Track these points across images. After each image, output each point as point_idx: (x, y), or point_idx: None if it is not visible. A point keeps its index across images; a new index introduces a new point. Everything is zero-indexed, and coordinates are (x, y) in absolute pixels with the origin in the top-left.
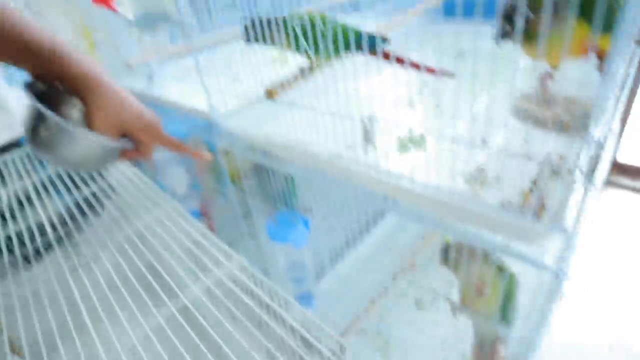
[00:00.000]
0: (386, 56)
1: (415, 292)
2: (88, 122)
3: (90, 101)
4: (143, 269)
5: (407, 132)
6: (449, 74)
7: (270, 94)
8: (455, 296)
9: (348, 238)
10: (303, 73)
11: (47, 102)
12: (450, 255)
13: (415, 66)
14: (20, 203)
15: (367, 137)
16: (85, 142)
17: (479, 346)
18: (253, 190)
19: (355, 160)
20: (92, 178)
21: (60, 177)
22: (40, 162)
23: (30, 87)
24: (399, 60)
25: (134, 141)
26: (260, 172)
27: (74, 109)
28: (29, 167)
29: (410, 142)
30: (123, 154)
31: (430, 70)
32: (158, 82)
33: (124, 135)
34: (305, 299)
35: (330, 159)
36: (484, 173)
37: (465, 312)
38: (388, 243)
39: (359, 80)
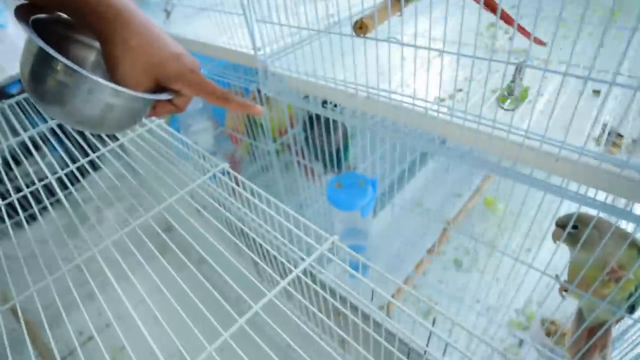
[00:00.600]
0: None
1: (455, 252)
2: (110, 67)
3: (113, 40)
4: None
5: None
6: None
7: (361, 27)
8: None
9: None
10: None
11: (53, 39)
12: (580, 231)
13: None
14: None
15: (511, 88)
16: (106, 96)
17: (591, 330)
18: (301, 147)
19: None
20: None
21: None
22: (34, 114)
23: (24, 12)
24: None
25: (169, 91)
26: (312, 126)
27: (90, 51)
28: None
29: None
30: (154, 108)
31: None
32: (177, 18)
33: (156, 83)
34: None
35: (425, 111)
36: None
37: (575, 293)
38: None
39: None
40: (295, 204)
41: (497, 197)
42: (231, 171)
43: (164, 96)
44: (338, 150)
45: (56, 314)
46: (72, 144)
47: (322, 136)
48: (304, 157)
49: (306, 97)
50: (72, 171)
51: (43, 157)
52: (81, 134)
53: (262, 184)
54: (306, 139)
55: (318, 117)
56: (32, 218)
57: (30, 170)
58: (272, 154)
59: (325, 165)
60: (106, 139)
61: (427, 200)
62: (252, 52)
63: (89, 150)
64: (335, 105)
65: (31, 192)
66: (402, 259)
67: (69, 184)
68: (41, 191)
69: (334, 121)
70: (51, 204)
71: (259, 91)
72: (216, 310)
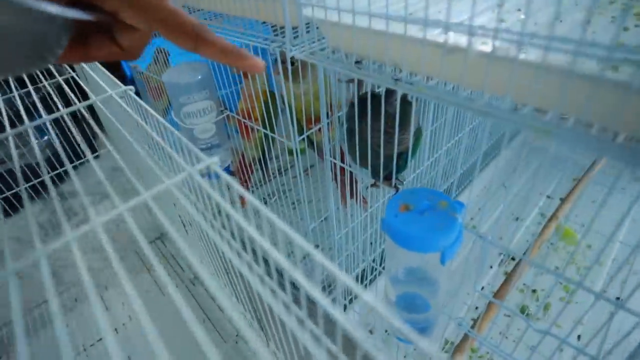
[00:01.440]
0: None
1: (520, 296)
2: None
3: None
4: None
5: None
6: None
7: None
8: None
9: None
10: None
11: None
12: None
13: None
14: None
15: None
16: None
17: None
18: (342, 142)
19: None
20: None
21: None
22: None
23: None
24: None
25: (105, 15)
26: (362, 114)
27: None
28: None
29: None
30: (81, 45)
31: None
32: None
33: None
34: (421, 330)
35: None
36: None
37: None
38: None
39: None
40: (319, 220)
41: (571, 226)
42: (221, 172)
43: (75, 12)
44: (401, 154)
45: None
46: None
47: (380, 131)
48: (342, 160)
49: (358, 62)
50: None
51: None
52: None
53: (277, 190)
54: (351, 132)
55: (376, 99)
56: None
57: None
58: (296, 153)
59: (375, 174)
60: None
61: (480, 223)
62: None
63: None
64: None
65: None
66: (450, 298)
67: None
68: None
69: (405, 107)
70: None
71: (282, 59)
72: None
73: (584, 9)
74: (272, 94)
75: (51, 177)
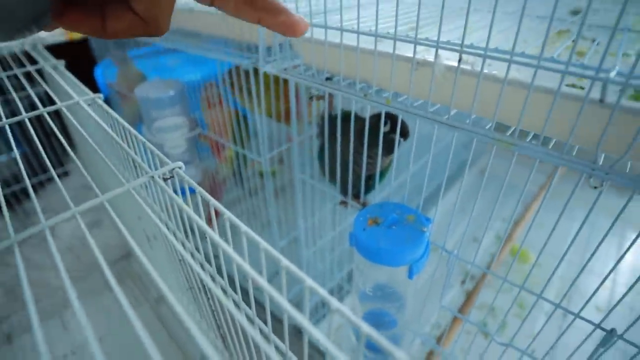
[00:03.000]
0: None
1: (479, 313)
2: None
3: None
4: None
5: None
6: None
7: None
8: None
9: None
10: None
11: None
12: None
13: None
14: None
15: None
16: None
17: None
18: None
19: None
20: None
21: None
22: None
23: None
24: None
25: None
26: (332, 131)
27: None
28: None
29: None
30: (101, 19)
31: None
32: None
33: None
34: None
35: None
36: None
37: None
38: None
39: None
40: (287, 240)
41: (525, 246)
42: (185, 177)
43: None
44: (371, 175)
45: None
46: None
47: (349, 149)
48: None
49: (329, 78)
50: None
51: None
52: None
53: (246, 211)
54: (321, 148)
55: (347, 117)
56: None
57: None
58: (265, 168)
59: (344, 191)
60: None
61: (444, 242)
62: None
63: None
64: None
65: None
66: (416, 316)
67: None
68: None
69: (375, 129)
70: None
71: (255, 71)
72: None
73: (541, 35)
74: (245, 122)
75: (14, 193)
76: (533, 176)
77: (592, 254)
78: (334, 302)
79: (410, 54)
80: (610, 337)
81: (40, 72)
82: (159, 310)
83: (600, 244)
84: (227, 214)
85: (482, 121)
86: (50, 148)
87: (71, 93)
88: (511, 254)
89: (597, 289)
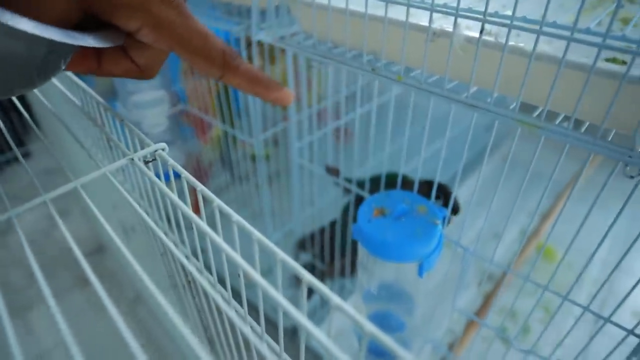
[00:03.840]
0: None
1: (498, 317)
2: None
3: None
4: None
5: None
6: None
7: None
8: None
9: None
10: None
11: None
12: None
13: None
14: None
15: None
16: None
17: None
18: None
19: None
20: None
21: None
22: None
23: None
24: None
25: (113, 34)
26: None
27: None
28: None
29: None
30: (98, 60)
31: None
32: None
33: (92, 14)
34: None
35: None
36: None
37: None
38: None
39: None
40: (282, 233)
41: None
42: (170, 160)
43: (88, 41)
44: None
45: None
46: None
47: None
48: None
49: (332, 48)
50: None
51: None
52: None
53: (234, 200)
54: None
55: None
56: None
57: None
58: (257, 151)
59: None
60: None
61: (460, 238)
62: None
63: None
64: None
65: None
66: (427, 319)
67: None
68: None
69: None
70: None
71: (248, 42)
72: None
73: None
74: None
75: None
76: (564, 163)
77: (627, 252)
78: (334, 298)
79: (426, 23)
80: None
81: None
82: (135, 311)
83: (636, 240)
84: (217, 201)
85: (506, 100)
86: (9, 125)
87: None
88: (537, 251)
89: (632, 290)
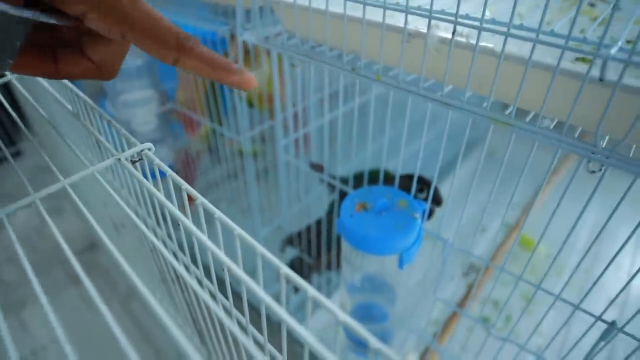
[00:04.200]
0: None
1: (481, 307)
2: None
3: None
4: None
5: None
6: None
7: None
8: None
9: None
10: None
11: None
12: None
13: None
14: None
15: None
16: None
17: None
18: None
19: None
20: None
21: None
22: None
23: None
24: None
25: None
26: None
27: None
28: None
29: None
30: (54, 62)
31: None
32: None
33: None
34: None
35: None
36: None
37: None
38: None
39: None
40: (271, 228)
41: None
42: (156, 160)
43: (32, 13)
44: None
45: None
46: None
47: None
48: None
49: (314, 47)
50: None
51: None
52: None
53: (224, 196)
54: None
55: (374, 177)
56: None
57: None
58: (245, 148)
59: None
60: None
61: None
62: None
63: None
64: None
65: None
66: (410, 310)
67: None
68: None
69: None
70: None
71: (232, 38)
72: None
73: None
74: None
75: None
76: (545, 158)
77: (593, 242)
78: (310, 290)
79: (402, 24)
80: (610, 329)
81: None
82: (129, 307)
83: (600, 232)
84: (201, 198)
85: (480, 99)
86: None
87: None
88: (519, 243)
89: (598, 278)
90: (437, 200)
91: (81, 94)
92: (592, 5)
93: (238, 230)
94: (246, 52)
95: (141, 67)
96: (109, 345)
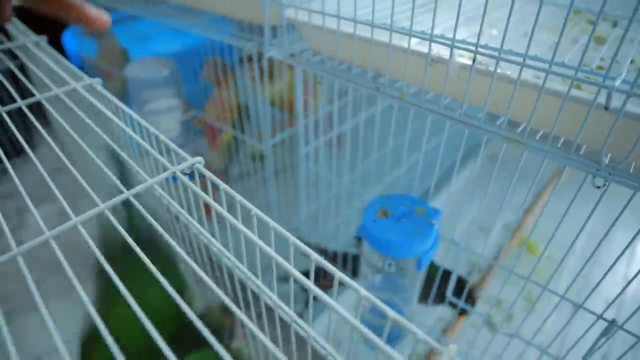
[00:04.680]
0: None
1: (485, 306)
2: None
3: None
4: None
5: None
6: None
7: None
8: None
9: None
10: None
11: None
12: None
13: None
14: None
15: None
16: None
17: None
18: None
19: None
20: None
21: None
22: None
23: None
24: None
25: None
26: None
27: None
28: None
29: None
30: None
31: None
32: None
33: None
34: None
35: None
36: None
37: None
38: None
39: None
40: (287, 228)
41: (535, 238)
42: (206, 172)
43: None
44: None
45: None
46: None
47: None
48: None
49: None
50: None
51: None
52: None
53: (241, 194)
54: None
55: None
56: None
57: None
58: (267, 155)
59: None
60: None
61: (449, 232)
62: None
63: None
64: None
65: None
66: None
67: None
68: None
69: None
70: None
71: (259, 57)
72: None
73: (550, 30)
74: (246, 107)
75: None
76: (547, 163)
77: (595, 250)
78: (336, 271)
79: (425, 50)
80: (611, 327)
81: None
82: None
83: (604, 237)
84: (255, 210)
85: (493, 116)
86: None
87: (65, 77)
88: (520, 245)
89: (602, 279)
90: (472, 300)
91: (127, 109)
92: (591, 22)
93: (272, 223)
94: (270, 70)
95: (167, 77)
96: None
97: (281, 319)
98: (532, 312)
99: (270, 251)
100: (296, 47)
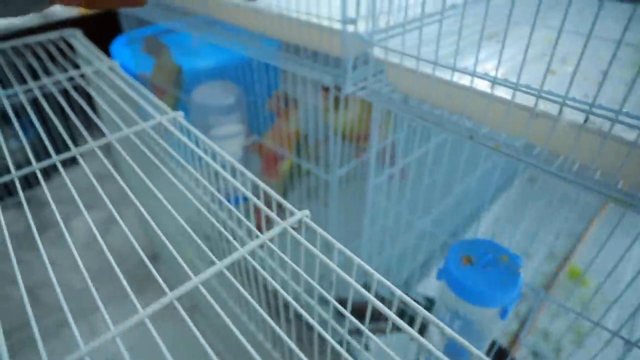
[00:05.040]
0: None
1: (531, 337)
2: None
3: None
4: None
5: None
6: None
7: None
8: None
9: None
10: None
11: None
12: None
13: None
14: None
15: None
16: None
17: None
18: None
19: None
20: None
21: None
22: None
23: None
24: None
25: None
26: None
27: None
28: None
29: None
30: None
31: None
32: None
33: None
34: None
35: None
36: None
37: None
38: None
39: None
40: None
41: (579, 265)
42: (316, 228)
43: None
44: None
45: None
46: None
47: None
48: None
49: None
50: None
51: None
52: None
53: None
54: None
55: None
56: None
57: None
58: (332, 185)
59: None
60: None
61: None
62: (336, 24)
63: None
64: None
65: None
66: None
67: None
68: None
69: None
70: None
71: (338, 90)
72: None
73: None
74: (305, 135)
75: (21, 180)
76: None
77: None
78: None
79: (528, 102)
80: None
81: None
82: (193, 321)
83: None
84: (338, 246)
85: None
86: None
87: (150, 110)
88: (569, 276)
89: None
90: None
91: (212, 144)
92: None
93: (357, 260)
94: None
95: (233, 103)
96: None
97: None
98: (579, 344)
99: (358, 287)
100: (375, 84)
